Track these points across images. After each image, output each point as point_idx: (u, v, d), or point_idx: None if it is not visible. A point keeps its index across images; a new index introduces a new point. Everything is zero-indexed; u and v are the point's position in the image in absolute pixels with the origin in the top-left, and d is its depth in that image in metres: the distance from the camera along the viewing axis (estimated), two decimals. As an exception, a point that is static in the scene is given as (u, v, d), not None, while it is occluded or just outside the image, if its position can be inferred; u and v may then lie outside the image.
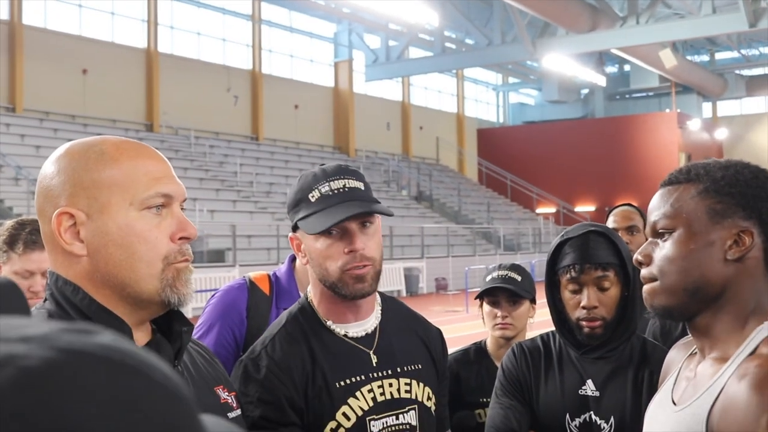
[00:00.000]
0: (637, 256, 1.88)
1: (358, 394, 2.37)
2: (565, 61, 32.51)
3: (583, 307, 2.70)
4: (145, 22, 30.30)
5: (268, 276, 3.52)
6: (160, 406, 0.61)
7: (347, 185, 2.39)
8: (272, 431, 2.29)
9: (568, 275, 2.75)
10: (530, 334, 3.37)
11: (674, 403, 1.83)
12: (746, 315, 1.76)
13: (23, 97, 26.26)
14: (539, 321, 3.74)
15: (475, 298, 3.76)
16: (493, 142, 46.81)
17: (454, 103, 46.57)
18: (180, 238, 1.69)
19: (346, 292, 2.33)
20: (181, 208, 1.75)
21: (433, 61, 36.87)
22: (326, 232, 2.32)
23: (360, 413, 2.37)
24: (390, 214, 2.50)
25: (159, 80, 30.17)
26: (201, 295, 16.02)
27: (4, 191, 21.65)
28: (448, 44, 37.27)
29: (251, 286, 3.42)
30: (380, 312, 2.55)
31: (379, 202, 2.44)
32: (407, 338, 2.58)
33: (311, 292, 2.50)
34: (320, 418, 2.33)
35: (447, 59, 36.98)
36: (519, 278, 3.61)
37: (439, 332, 2.77)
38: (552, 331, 2.91)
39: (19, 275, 3.30)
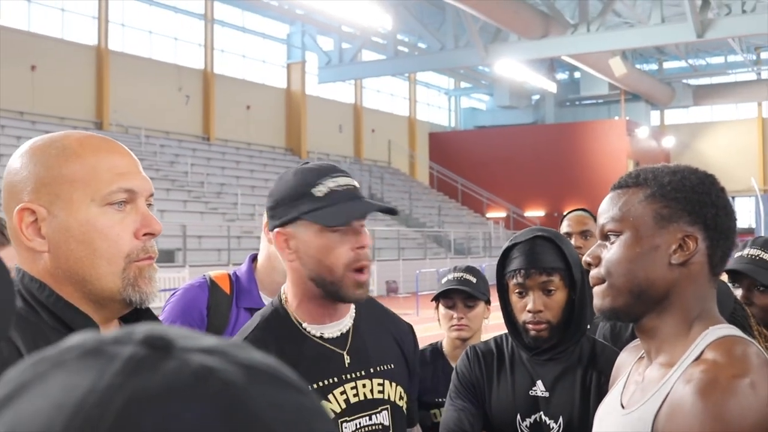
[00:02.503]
0: (585, 257, 1.90)
1: (330, 396, 2.36)
2: (516, 67, 32.67)
3: (529, 311, 2.73)
4: (96, 19, 29.96)
5: (229, 275, 3.50)
6: (319, 420, 0.64)
7: (351, 183, 2.40)
8: None
9: (514, 280, 2.77)
10: (485, 336, 3.40)
11: (622, 407, 1.84)
12: (691, 319, 1.78)
13: (-30, 93, 25.88)
14: (494, 323, 3.78)
15: (432, 300, 3.80)
16: (444, 146, 46.96)
17: (407, 107, 46.66)
18: (144, 234, 1.66)
19: (344, 294, 2.31)
20: (149, 204, 1.71)
21: (385, 64, 36.93)
22: (334, 228, 2.28)
23: (332, 416, 2.32)
24: (395, 212, 2.62)
25: (109, 78, 29.87)
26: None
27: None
28: (401, 48, 37.35)
29: (212, 285, 3.42)
30: (354, 310, 2.52)
31: None
32: (380, 337, 2.58)
33: (287, 292, 2.45)
34: None
35: (400, 63, 37.02)
36: (474, 280, 3.67)
37: (410, 328, 2.77)
38: (505, 334, 2.93)
39: None
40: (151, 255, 1.68)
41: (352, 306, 2.51)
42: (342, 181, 2.37)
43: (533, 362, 2.80)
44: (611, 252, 1.83)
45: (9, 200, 1.64)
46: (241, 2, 35.23)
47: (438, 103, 50.52)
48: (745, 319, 2.71)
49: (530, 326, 2.75)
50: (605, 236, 1.86)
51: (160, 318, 3.11)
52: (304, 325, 2.38)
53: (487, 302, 3.72)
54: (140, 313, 1.74)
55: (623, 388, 1.92)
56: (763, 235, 3.85)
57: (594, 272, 1.86)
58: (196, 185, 29.29)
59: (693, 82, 46.88)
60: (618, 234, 1.83)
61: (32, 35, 27.85)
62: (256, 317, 2.49)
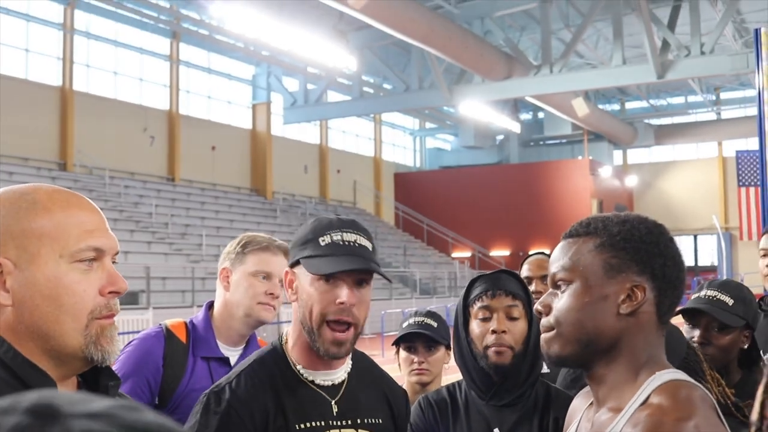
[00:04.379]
0: (537, 306, 1.91)
1: None
2: (480, 108, 32.91)
3: (493, 331, 2.74)
4: (61, 60, 29.82)
5: (185, 324, 3.49)
6: None
7: (358, 241, 2.43)
8: None
9: (479, 303, 2.80)
10: (446, 379, 3.37)
11: None
12: (639, 366, 1.80)
13: (-69, 133, 25.61)
14: (454, 366, 3.77)
15: (393, 344, 3.81)
16: (409, 186, 47.11)
17: (372, 147, 46.81)
18: (110, 292, 1.65)
19: (320, 347, 2.34)
20: (113, 261, 1.70)
21: (351, 105, 37.00)
22: (324, 278, 2.33)
23: None
24: (389, 280, 2.69)
25: (74, 119, 29.68)
26: (113, 337, 15.73)
27: None
28: (366, 89, 37.48)
29: (168, 334, 3.41)
30: (350, 365, 2.54)
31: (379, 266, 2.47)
32: (372, 394, 2.57)
33: (289, 333, 2.50)
34: None
35: (365, 103, 37.14)
36: (435, 324, 3.68)
37: (404, 393, 2.78)
38: (458, 381, 2.93)
39: None
40: (113, 312, 1.67)
41: (349, 360, 2.52)
42: (348, 237, 2.42)
43: (489, 409, 2.79)
44: (561, 301, 1.84)
45: None
46: (206, 43, 35.22)
47: (403, 144, 50.71)
48: (698, 363, 2.73)
49: (492, 350, 2.75)
50: (556, 285, 1.87)
51: (115, 366, 3.10)
52: (299, 367, 2.41)
53: (448, 347, 3.70)
54: (99, 371, 1.71)
55: (579, 430, 1.94)
56: (724, 273, 3.87)
57: (544, 321, 1.87)
58: (161, 226, 29.05)
59: (654, 121, 47.41)
60: (568, 283, 1.84)
61: (-5, 76, 27.67)
62: (255, 354, 2.52)
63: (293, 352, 2.44)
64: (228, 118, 37.71)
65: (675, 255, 1.86)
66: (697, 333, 3.28)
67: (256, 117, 38.58)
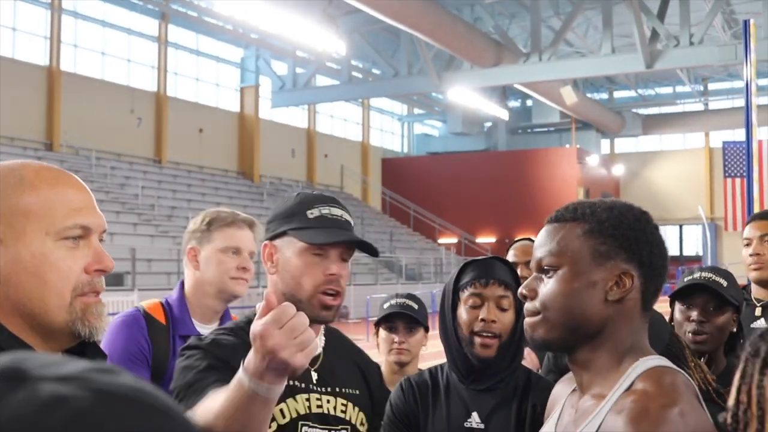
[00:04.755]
0: (521, 289, 1.91)
1: (297, 397, 2.40)
2: (469, 95, 32.92)
3: (482, 320, 2.74)
4: (48, 40, 29.68)
5: (161, 304, 3.50)
6: None
7: (344, 216, 2.52)
8: (221, 372, 2.20)
9: (471, 289, 2.80)
10: (423, 365, 3.45)
11: None
12: (623, 352, 1.80)
13: None
14: (432, 351, 3.79)
15: (375, 325, 3.87)
16: (397, 172, 47.12)
17: (360, 132, 46.77)
18: (96, 270, 1.64)
19: (310, 312, 2.26)
20: (101, 240, 1.70)
21: (339, 89, 36.99)
22: (313, 250, 2.37)
23: (294, 415, 2.38)
24: (376, 254, 2.73)
25: (61, 99, 29.56)
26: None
27: None
28: (354, 73, 37.45)
29: (147, 317, 3.42)
30: (323, 338, 2.57)
31: None
32: (348, 366, 2.63)
33: (262, 306, 2.44)
34: None
35: (353, 88, 37.15)
36: (416, 306, 3.77)
37: (378, 367, 2.83)
38: (441, 365, 2.95)
39: None
40: (97, 290, 1.66)
41: (322, 333, 2.54)
42: (336, 211, 2.49)
43: (469, 393, 2.80)
44: (548, 286, 1.84)
45: None
46: (195, 25, 35.11)
47: (391, 129, 50.72)
48: (681, 350, 2.75)
49: (480, 338, 2.76)
50: (542, 269, 1.87)
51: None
52: None
53: (427, 330, 3.77)
54: (85, 346, 1.70)
55: (558, 419, 1.94)
56: (709, 262, 3.91)
57: (529, 305, 1.87)
58: (147, 208, 29.04)
59: (642, 111, 47.51)
60: (555, 268, 1.84)
61: (-18, 55, 27.54)
62: (230, 323, 2.53)
63: None
64: (216, 100, 37.64)
65: (660, 243, 1.87)
66: (694, 313, 3.30)
67: (244, 100, 38.52)
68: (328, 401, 2.48)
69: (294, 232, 2.39)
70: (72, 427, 0.58)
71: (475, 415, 2.77)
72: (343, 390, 2.53)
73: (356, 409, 2.55)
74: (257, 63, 38.13)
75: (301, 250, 2.38)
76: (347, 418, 2.51)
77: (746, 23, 16.31)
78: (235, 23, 32.45)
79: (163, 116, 34.04)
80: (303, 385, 2.43)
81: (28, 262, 1.58)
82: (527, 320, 1.89)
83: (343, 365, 2.60)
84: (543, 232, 1.91)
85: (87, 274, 1.63)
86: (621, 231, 1.81)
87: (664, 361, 1.81)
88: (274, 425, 2.34)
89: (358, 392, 2.56)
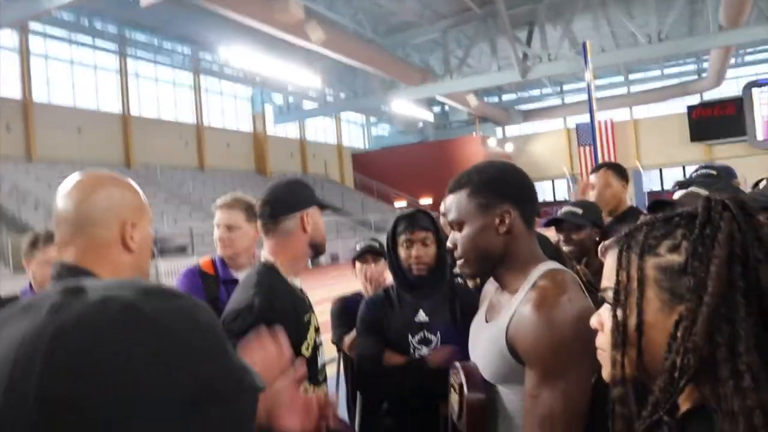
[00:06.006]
0: (448, 244, 1.88)
1: (310, 327, 2.30)
2: (406, 105, 32.90)
3: (414, 257, 2.77)
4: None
5: (211, 259, 3.35)
6: (200, 313, 0.63)
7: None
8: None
9: (404, 236, 2.82)
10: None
11: (486, 321, 1.84)
12: (526, 262, 1.76)
13: None
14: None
15: (352, 260, 3.86)
16: (363, 162, 47.00)
17: (335, 137, 46.57)
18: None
19: (323, 249, 2.39)
20: None
21: (319, 109, 36.92)
22: (323, 212, 2.43)
23: (315, 339, 2.30)
24: (339, 209, 2.68)
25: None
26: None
27: None
28: (328, 98, 37.32)
29: (200, 271, 3.27)
30: None
31: None
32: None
33: (277, 256, 2.33)
34: (299, 340, 2.17)
35: (329, 108, 37.07)
36: (377, 245, 3.82)
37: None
38: (391, 285, 2.93)
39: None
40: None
41: None
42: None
43: (413, 300, 2.79)
44: (460, 238, 1.81)
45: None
46: (219, 73, 34.87)
47: (356, 133, 50.50)
48: (563, 260, 2.64)
49: (414, 267, 2.78)
50: (454, 227, 1.84)
51: None
52: (289, 278, 2.31)
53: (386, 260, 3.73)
54: None
55: (486, 308, 1.90)
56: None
57: (455, 254, 1.84)
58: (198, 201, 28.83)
59: (522, 107, 47.60)
60: (460, 225, 1.81)
61: None
62: (259, 273, 2.29)
63: (284, 267, 2.31)
64: (237, 125, 37.35)
65: (522, 179, 1.82)
66: (562, 236, 3.34)
67: (256, 123, 38.25)
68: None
69: (320, 201, 2.41)
70: (124, 312, 0.57)
71: (421, 312, 2.75)
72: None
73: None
74: (262, 96, 37.86)
75: (319, 213, 2.39)
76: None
77: (584, 44, 16.59)
78: (246, 72, 32.24)
79: (203, 139, 33.79)
80: (309, 309, 2.36)
81: (148, 239, 1.58)
82: (458, 263, 1.84)
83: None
84: (447, 200, 1.86)
85: None
86: (491, 184, 1.77)
87: (556, 265, 1.77)
88: (308, 346, 2.23)
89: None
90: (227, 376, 0.61)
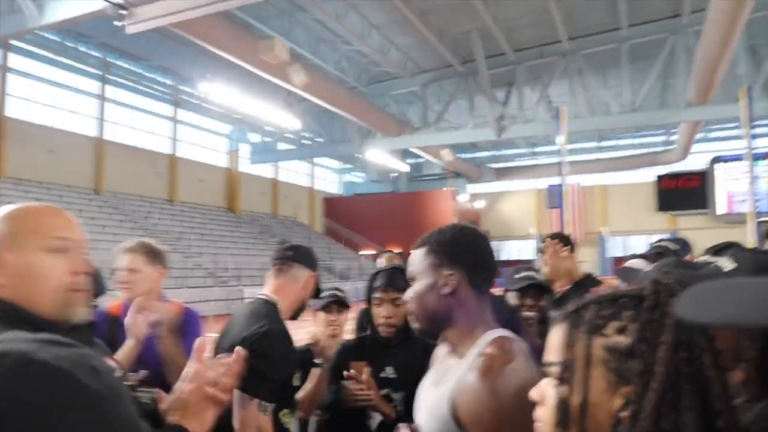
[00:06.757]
0: (404, 297, 1.89)
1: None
2: (381, 155, 33.05)
3: (383, 317, 2.80)
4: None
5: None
6: (91, 359, 0.65)
7: None
8: None
9: (377, 293, 2.85)
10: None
11: (433, 385, 1.84)
12: (473, 327, 1.76)
13: None
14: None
15: (316, 310, 3.75)
16: (334, 207, 47.03)
17: (308, 180, 46.63)
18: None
19: (301, 313, 2.69)
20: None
21: (295, 152, 37.04)
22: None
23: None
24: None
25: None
26: None
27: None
28: (305, 141, 37.49)
29: (107, 315, 3.26)
30: None
31: None
32: None
33: (279, 296, 2.56)
34: (294, 371, 2.49)
35: (305, 151, 37.21)
36: (342, 294, 3.66)
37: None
38: (367, 333, 2.96)
39: None
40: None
41: None
42: None
43: (386, 353, 2.79)
44: (412, 293, 1.83)
45: None
46: (197, 109, 34.90)
47: (330, 178, 50.59)
48: (518, 324, 2.69)
49: (383, 328, 2.81)
50: (410, 282, 1.86)
51: None
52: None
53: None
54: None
55: (434, 371, 1.90)
56: (539, 263, 4.09)
57: (408, 307, 1.86)
58: (161, 233, 28.54)
59: (495, 165, 48.10)
60: (413, 281, 1.84)
61: None
62: (264, 309, 2.46)
63: (283, 308, 2.50)
64: (213, 160, 37.24)
65: (481, 246, 1.83)
66: (528, 300, 3.32)
67: (231, 160, 38.21)
68: None
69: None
70: (19, 362, 0.58)
71: (389, 368, 2.76)
72: None
73: None
74: (238, 134, 37.87)
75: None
76: None
77: (558, 109, 17.02)
78: (225, 108, 32.36)
79: (176, 171, 33.62)
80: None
81: (30, 268, 1.44)
82: (409, 318, 1.88)
83: None
84: (411, 255, 1.88)
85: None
86: (445, 247, 1.79)
87: (505, 332, 1.76)
88: None
89: None
90: (127, 420, 0.62)
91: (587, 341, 1.02)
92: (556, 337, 1.08)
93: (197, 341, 1.60)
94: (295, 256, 2.61)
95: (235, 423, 2.19)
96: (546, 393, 1.08)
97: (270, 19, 23.50)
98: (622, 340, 1.00)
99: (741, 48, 23.34)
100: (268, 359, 2.23)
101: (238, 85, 23.64)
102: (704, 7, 17.22)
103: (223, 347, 2.39)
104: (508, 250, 46.21)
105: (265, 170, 41.38)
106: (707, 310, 0.78)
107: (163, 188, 32.97)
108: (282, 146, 38.24)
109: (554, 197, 22.66)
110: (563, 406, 1.03)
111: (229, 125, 38.05)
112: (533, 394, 1.11)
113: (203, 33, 17.23)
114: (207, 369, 1.54)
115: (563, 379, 1.04)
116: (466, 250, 1.79)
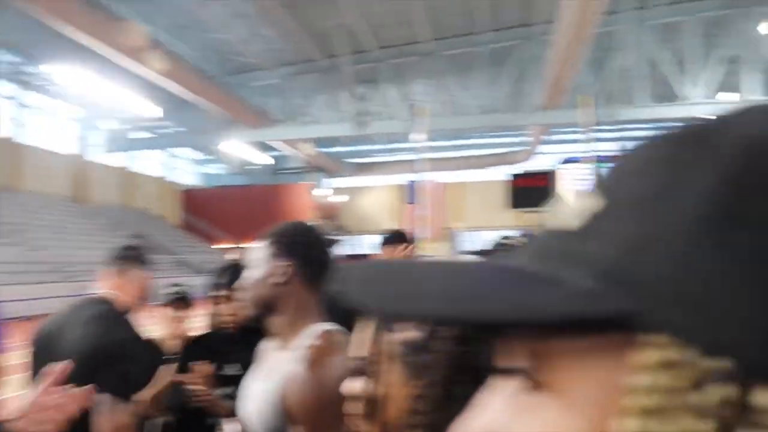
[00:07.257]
0: (240, 283, 1.96)
1: None
2: (240, 146, 32.52)
3: (226, 314, 2.89)
4: None
5: None
6: None
7: None
8: None
9: (219, 291, 2.96)
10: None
11: (261, 379, 1.86)
12: (302, 317, 1.83)
13: None
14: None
15: (160, 307, 3.68)
16: (191, 200, 45.63)
17: (164, 171, 44.96)
18: None
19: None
20: None
21: (151, 140, 35.79)
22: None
23: None
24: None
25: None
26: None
27: None
28: (162, 130, 36.26)
29: None
30: None
31: None
32: None
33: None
34: None
35: (162, 140, 36.11)
36: (185, 291, 3.69)
37: None
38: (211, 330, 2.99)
39: None
40: None
41: None
42: None
43: (231, 349, 2.78)
44: (247, 281, 1.89)
45: None
46: (45, 90, 32.73)
47: (189, 169, 49.08)
48: (352, 319, 2.88)
49: (226, 324, 2.90)
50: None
51: None
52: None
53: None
54: None
55: (262, 364, 1.93)
56: None
57: (242, 293, 1.92)
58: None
59: (356, 160, 48.53)
60: (252, 270, 1.90)
61: None
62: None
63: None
64: (59, 147, 34.92)
65: (314, 241, 1.91)
66: None
67: (81, 147, 35.99)
68: None
69: None
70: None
71: (232, 366, 2.75)
72: None
73: None
74: (90, 120, 35.86)
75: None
76: None
77: (412, 106, 17.65)
78: (77, 92, 30.60)
79: (20, 158, 31.38)
80: None
81: None
82: (242, 304, 1.94)
83: None
84: (253, 246, 1.94)
85: None
86: (281, 240, 1.87)
87: (332, 326, 1.82)
88: None
89: None
90: None
91: (390, 338, 1.04)
92: (365, 333, 1.10)
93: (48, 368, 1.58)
94: (133, 255, 2.62)
95: (96, 425, 2.20)
96: (354, 387, 1.09)
97: (130, 1, 22.59)
98: (416, 335, 1.00)
99: (587, 58, 25.16)
100: (133, 364, 2.25)
101: (91, 67, 22.49)
102: (553, 18, 18.44)
103: (59, 352, 2.28)
104: (362, 245, 46.94)
105: (118, 159, 39.55)
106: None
107: (4, 176, 30.68)
108: (138, 134, 36.75)
109: (411, 193, 23.35)
110: (370, 399, 1.05)
111: (80, 109, 36.05)
112: (344, 388, 1.13)
113: (55, 8, 16.33)
114: (48, 399, 1.53)
115: (369, 374, 1.06)
116: (302, 242, 1.88)
